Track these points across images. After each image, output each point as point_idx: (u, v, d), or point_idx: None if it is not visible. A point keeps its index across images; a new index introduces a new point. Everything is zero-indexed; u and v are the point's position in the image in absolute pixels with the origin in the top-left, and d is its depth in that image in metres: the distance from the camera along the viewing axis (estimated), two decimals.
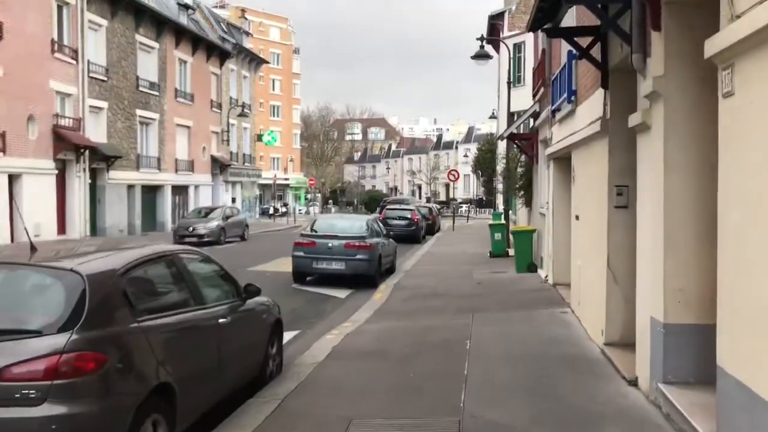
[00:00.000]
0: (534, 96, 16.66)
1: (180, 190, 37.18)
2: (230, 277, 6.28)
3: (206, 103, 39.98)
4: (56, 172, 25.78)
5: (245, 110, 44.41)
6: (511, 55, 32.01)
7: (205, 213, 29.49)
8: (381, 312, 11.20)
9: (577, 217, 10.04)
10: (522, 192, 19.37)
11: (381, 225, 17.51)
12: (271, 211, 58.87)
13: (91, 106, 28.14)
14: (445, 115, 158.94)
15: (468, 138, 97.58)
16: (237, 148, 45.63)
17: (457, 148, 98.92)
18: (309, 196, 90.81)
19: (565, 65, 10.52)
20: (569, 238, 12.01)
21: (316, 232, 15.30)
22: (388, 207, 32.38)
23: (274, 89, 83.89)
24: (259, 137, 49.27)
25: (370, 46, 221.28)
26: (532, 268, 15.73)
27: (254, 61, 48.83)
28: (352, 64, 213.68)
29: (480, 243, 26.57)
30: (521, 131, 19.11)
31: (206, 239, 26.74)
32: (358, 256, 14.75)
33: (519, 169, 19.81)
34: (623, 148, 7.52)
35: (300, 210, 77.69)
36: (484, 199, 74.06)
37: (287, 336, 9.58)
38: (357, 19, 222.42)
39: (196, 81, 38.31)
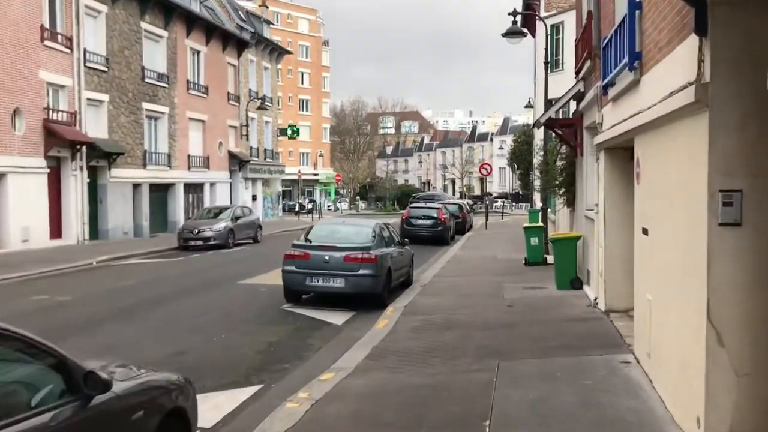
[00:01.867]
0: (577, 74, 13.71)
1: (194, 188, 34.95)
2: (58, 361, 3.60)
3: (222, 95, 37.67)
4: (48, 170, 23.63)
5: (265, 103, 42.02)
6: (549, 37, 29.25)
7: (215, 213, 27.15)
8: (378, 353, 8.50)
9: (644, 231, 7.20)
10: (563, 190, 16.42)
11: (393, 231, 14.78)
12: (297, 208, 56.69)
13: (89, 99, 25.94)
14: (482, 108, 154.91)
15: (503, 129, 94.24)
16: (258, 143, 43.30)
17: (492, 140, 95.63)
18: (342, 191, 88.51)
19: (623, 20, 7.66)
20: (628, 252, 9.20)
21: (310, 241, 12.64)
22: (412, 206, 29.56)
23: (303, 83, 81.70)
24: (282, 131, 46.85)
25: (403, 40, 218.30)
26: (576, 284, 12.85)
27: (276, 51, 46.37)
28: (385, 58, 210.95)
29: (514, 245, 23.68)
30: (560, 117, 16.19)
31: (213, 242, 24.43)
32: (361, 272, 12.07)
33: (559, 163, 16.85)
34: (734, 129, 4.68)
35: (328, 206, 75.37)
36: (520, 193, 70.66)
37: (242, 395, 7.00)
38: (391, 11, 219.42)
39: (210, 72, 35.99)
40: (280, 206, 49.52)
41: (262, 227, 29.34)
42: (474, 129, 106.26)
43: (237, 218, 26.46)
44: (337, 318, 11.45)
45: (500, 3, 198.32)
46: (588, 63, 11.87)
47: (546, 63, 20.85)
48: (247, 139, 40.94)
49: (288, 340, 9.82)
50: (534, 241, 17.34)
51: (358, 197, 80.00)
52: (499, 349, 8.38)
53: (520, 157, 70.70)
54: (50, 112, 23.62)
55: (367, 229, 13.11)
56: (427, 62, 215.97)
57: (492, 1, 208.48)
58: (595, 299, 10.84)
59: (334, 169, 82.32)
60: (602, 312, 10.19)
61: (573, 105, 16.19)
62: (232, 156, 38.66)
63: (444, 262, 19.56)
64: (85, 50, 25.51)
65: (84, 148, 25.25)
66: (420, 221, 26.79)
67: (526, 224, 17.87)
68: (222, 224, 25.22)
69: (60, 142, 23.78)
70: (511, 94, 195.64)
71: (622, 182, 9.78)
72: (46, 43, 23.44)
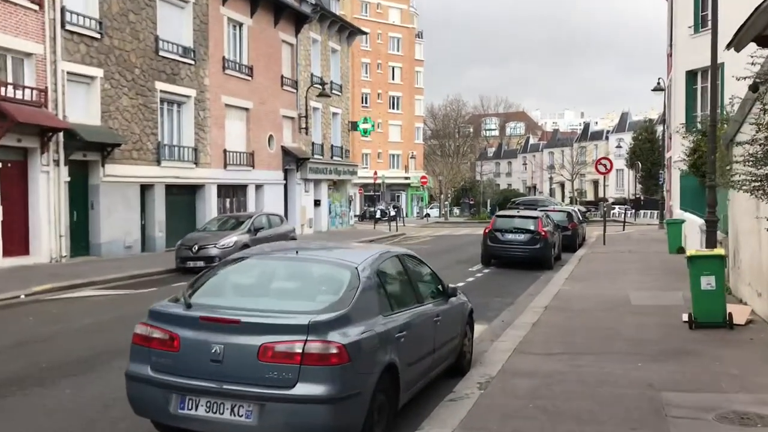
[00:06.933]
0: None
1: (233, 191, 28.63)
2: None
3: (274, 79, 31.19)
4: (0, 165, 17.71)
5: (332, 90, 35.19)
6: None
7: (234, 223, 20.42)
8: None
9: None
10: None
11: (425, 268, 7.13)
12: (378, 215, 49.72)
13: (71, 73, 19.88)
14: (595, 111, 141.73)
15: (621, 126, 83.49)
16: (322, 139, 36.58)
17: (607, 138, 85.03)
18: (441, 196, 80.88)
19: None
20: None
21: (190, 306, 5.22)
22: (498, 214, 21.55)
23: (393, 78, 74.81)
24: (353, 125, 39.97)
25: (517, 41, 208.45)
26: None
27: (346, 30, 39.48)
28: (498, 59, 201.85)
29: (651, 274, 15.43)
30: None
31: (218, 263, 17.59)
32: (303, 391, 4.56)
33: (761, 134, 8.71)
34: None
35: (417, 213, 67.98)
36: (642, 198, 60.42)
37: None
38: (507, 13, 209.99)
39: (257, 50, 29.57)
40: (352, 213, 42.58)
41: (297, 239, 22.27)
42: (586, 127, 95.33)
43: (257, 230, 19.58)
44: None
45: (621, 7, 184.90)
46: None
47: None
48: (307, 133, 34.27)
49: None
50: (708, 283, 9.21)
51: (447, 203, 71.67)
52: None
53: (641, 157, 60.66)
54: (5, 87, 17.67)
55: (343, 272, 5.46)
56: (539, 64, 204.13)
57: (612, 5, 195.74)
58: None
59: (427, 172, 74.71)
60: None
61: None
62: (286, 153, 32.10)
63: (540, 307, 11.72)
64: (63, 9, 19.47)
65: (59, 136, 19.21)
66: (509, 236, 18.90)
67: (692, 252, 9.70)
68: (232, 239, 18.43)
69: (19, 128, 17.76)
70: (626, 99, 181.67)
71: None
72: None
